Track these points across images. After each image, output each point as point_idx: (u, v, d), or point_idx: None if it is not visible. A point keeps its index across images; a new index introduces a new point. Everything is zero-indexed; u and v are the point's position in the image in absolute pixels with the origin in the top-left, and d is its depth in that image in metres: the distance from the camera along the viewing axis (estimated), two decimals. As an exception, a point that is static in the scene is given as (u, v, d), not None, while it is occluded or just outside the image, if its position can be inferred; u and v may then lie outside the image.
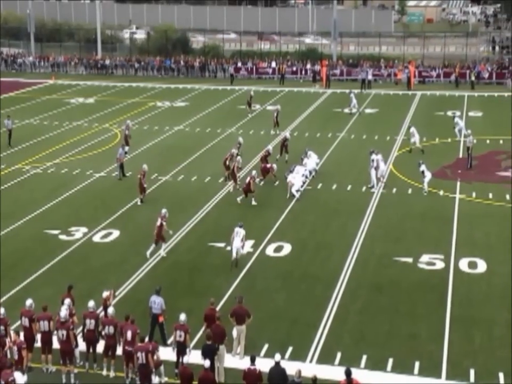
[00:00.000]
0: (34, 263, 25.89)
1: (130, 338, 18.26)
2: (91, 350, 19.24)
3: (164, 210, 26.49)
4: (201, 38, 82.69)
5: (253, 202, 31.57)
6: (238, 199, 32.04)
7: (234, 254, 25.31)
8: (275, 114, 44.98)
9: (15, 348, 18.15)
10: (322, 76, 64.06)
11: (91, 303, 19.29)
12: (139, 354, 17.56)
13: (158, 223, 26.06)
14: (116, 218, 30.43)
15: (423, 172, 32.99)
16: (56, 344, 18.85)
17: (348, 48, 78.96)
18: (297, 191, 32.49)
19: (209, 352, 17.74)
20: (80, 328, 19.66)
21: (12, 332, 18.77)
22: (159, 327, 20.10)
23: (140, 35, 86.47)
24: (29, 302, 19.48)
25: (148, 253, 26.17)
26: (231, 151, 35.50)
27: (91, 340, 19.18)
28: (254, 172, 32.60)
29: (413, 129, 40.55)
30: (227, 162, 34.63)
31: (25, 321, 19.16)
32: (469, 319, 21.70)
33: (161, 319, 19.99)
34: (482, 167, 37.36)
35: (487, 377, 18.65)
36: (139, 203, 31.97)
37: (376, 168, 33.89)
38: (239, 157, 34.76)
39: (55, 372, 18.91)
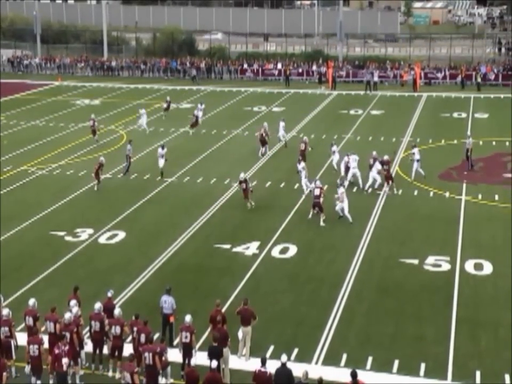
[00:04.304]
0: (39, 264, 25.92)
1: (144, 340, 18.26)
2: (97, 352, 19.26)
3: (101, 158, 34.54)
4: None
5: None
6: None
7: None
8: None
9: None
10: (328, 78, 64.01)
11: (97, 305, 19.29)
12: (146, 354, 17.57)
13: (96, 166, 34.12)
14: (122, 220, 30.47)
15: (334, 151, 35.94)
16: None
17: (353, 49, 78.91)
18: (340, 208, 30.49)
19: (215, 353, 17.72)
20: (87, 329, 19.71)
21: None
22: (168, 327, 20.12)
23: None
24: (31, 301, 19.53)
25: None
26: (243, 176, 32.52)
27: (98, 341, 19.20)
28: (305, 138, 37.32)
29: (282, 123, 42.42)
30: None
31: (30, 321, 19.18)
32: (474, 320, 21.66)
33: (171, 319, 19.96)
34: (488, 168, 37.27)
35: (493, 378, 18.61)
36: (95, 189, 34.32)
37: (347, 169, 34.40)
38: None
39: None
